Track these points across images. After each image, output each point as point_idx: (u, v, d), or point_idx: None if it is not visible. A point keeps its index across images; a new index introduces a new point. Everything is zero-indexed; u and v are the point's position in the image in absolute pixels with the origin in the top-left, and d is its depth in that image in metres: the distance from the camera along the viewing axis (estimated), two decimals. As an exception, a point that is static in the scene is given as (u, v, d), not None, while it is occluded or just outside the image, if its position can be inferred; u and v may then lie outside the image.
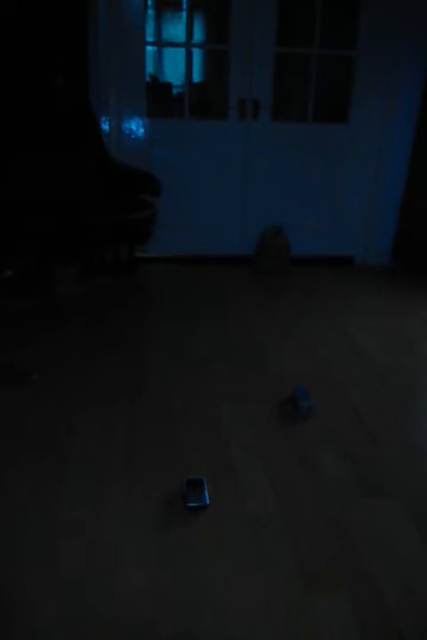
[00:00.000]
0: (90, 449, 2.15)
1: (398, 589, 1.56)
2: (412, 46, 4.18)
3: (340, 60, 4.45)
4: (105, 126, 4.14)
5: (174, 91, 5.18)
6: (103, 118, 4.11)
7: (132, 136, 4.27)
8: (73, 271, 3.91)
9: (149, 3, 4.90)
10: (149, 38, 4.79)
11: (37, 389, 2.57)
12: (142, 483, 1.97)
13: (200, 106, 5.08)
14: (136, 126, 4.25)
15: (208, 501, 1.86)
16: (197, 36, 5.31)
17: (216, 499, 1.89)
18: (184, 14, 4.42)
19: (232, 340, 3.19)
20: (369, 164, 4.52)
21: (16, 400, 2.47)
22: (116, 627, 1.43)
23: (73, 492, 1.91)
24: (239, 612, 1.48)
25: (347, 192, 4.60)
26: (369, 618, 1.47)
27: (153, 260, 4.53)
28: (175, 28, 5.04)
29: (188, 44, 4.28)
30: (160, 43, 5.38)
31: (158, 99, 4.98)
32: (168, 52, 5.25)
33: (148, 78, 4.39)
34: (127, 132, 4.25)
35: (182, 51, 4.28)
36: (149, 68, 4.83)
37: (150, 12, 5.14)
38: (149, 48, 4.51)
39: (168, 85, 5.25)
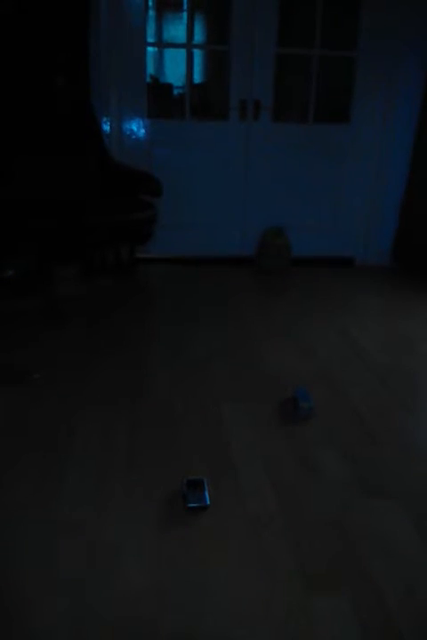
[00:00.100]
0: (90, 449, 2.15)
1: (398, 590, 1.57)
2: (413, 46, 4.18)
3: (341, 60, 4.44)
4: (106, 127, 4.14)
5: (175, 91, 5.18)
6: (104, 119, 4.11)
7: (133, 137, 4.27)
8: (74, 271, 3.91)
9: (150, 3, 4.90)
10: (150, 39, 4.79)
11: (38, 389, 2.57)
12: (143, 483, 1.97)
13: (201, 106, 5.09)
14: (137, 127, 4.25)
15: (209, 502, 1.86)
16: (198, 36, 5.32)
17: (217, 499, 1.89)
18: (185, 15, 4.42)
19: (233, 341, 3.19)
20: (370, 164, 4.52)
21: (17, 400, 2.48)
22: (116, 627, 1.43)
23: (74, 492, 1.91)
24: (239, 612, 1.48)
25: (348, 192, 4.60)
26: (369, 618, 1.48)
27: (154, 261, 4.53)
28: (176, 29, 5.05)
29: (188, 45, 4.28)
30: (161, 43, 5.38)
31: (159, 99, 4.98)
32: (169, 53, 5.26)
33: (148, 79, 4.39)
34: (128, 132, 4.25)
35: (183, 51, 4.28)
36: (150, 68, 4.83)
37: (151, 12, 5.15)
38: (150, 49, 4.51)
39: (169, 86, 5.26)
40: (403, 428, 2.40)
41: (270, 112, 4.33)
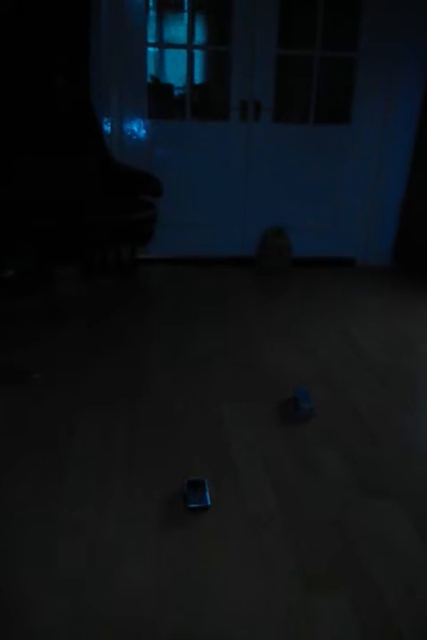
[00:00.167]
0: (91, 448, 2.15)
1: (398, 589, 1.56)
2: (413, 47, 4.18)
3: (341, 61, 4.44)
4: (106, 127, 4.14)
5: (176, 92, 5.17)
6: (105, 119, 4.11)
7: (134, 137, 4.27)
8: (74, 271, 3.91)
9: (151, 4, 4.89)
10: (151, 39, 4.78)
11: (38, 389, 2.57)
12: (143, 482, 1.97)
13: (202, 107, 5.08)
14: (137, 127, 4.26)
15: (209, 502, 1.86)
16: (199, 37, 5.30)
17: (217, 498, 1.89)
18: (186, 15, 4.43)
19: (233, 340, 3.19)
20: (370, 164, 4.52)
21: (17, 399, 2.48)
22: (116, 627, 1.43)
23: (74, 492, 1.91)
24: (240, 611, 1.48)
25: (348, 193, 4.60)
26: (369, 618, 1.47)
27: (154, 261, 4.53)
28: (177, 30, 5.03)
29: (189, 46, 4.28)
30: (162, 44, 5.37)
31: (160, 100, 4.97)
32: (170, 54, 5.24)
33: (149, 79, 4.39)
34: (128, 132, 4.25)
35: (184, 52, 4.29)
36: (151, 69, 4.83)
37: (152, 13, 5.13)
38: (151, 49, 4.51)
39: (169, 87, 5.25)
40: (403, 428, 2.40)
41: (271, 113, 4.33)
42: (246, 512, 1.85)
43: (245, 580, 1.59)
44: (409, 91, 4.28)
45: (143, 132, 4.27)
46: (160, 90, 5.18)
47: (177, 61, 4.80)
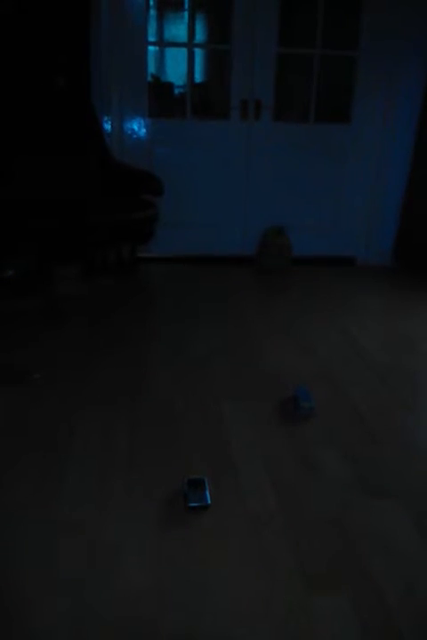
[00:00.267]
0: (91, 448, 2.15)
1: (398, 589, 1.56)
2: (414, 46, 4.17)
3: (342, 60, 4.44)
4: (107, 126, 4.14)
5: (176, 91, 5.17)
6: (105, 118, 4.11)
7: (134, 136, 4.27)
8: (74, 271, 3.91)
9: (151, 2, 4.89)
10: (151, 38, 4.78)
11: (38, 389, 2.57)
12: (143, 482, 1.97)
13: (202, 106, 5.07)
14: (138, 126, 4.25)
15: (210, 501, 1.86)
16: (199, 36, 5.30)
17: (217, 497, 1.89)
18: (186, 14, 4.42)
19: (233, 339, 3.19)
20: (371, 163, 4.52)
21: (17, 399, 2.48)
22: (116, 627, 1.43)
23: (74, 492, 1.91)
24: (240, 611, 1.48)
25: (348, 192, 4.60)
26: (369, 617, 1.47)
27: (155, 260, 4.53)
28: (177, 28, 5.03)
29: (190, 44, 4.28)
30: (162, 43, 5.37)
31: (160, 99, 4.97)
32: (170, 52, 5.24)
33: (149, 78, 4.39)
34: (129, 131, 4.25)
35: (184, 51, 4.28)
36: (151, 68, 4.83)
37: (152, 11, 5.13)
38: (151, 48, 4.51)
39: (170, 85, 5.24)
40: (403, 427, 2.40)
41: (271, 111, 4.33)
42: (246, 511, 1.85)
43: (246, 579, 1.59)
44: (410, 90, 4.28)
45: (144, 130, 4.27)
46: (161, 89, 5.17)
47: (177, 60, 4.79)
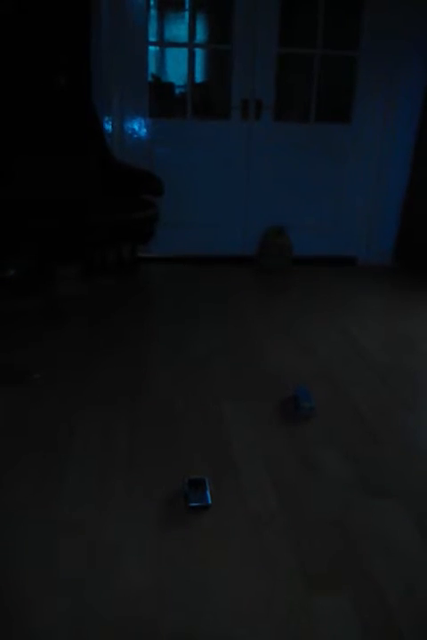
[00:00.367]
0: (91, 448, 2.15)
1: (399, 589, 1.56)
2: (414, 46, 4.17)
3: (342, 60, 4.44)
4: (107, 126, 4.14)
5: (177, 91, 5.17)
6: (106, 118, 4.11)
7: (135, 136, 4.27)
8: (75, 271, 3.90)
9: (152, 2, 4.89)
10: (152, 38, 4.78)
11: (38, 389, 2.57)
12: (144, 481, 1.97)
13: (203, 106, 5.07)
14: (138, 126, 4.25)
15: (210, 501, 1.85)
16: (200, 36, 5.30)
17: (217, 497, 1.89)
18: (187, 14, 4.42)
19: (233, 339, 3.18)
20: (371, 163, 4.51)
21: (17, 399, 2.48)
22: (116, 627, 1.43)
23: (74, 492, 1.91)
24: (240, 611, 1.48)
25: (349, 192, 4.59)
26: (370, 617, 1.47)
27: (155, 260, 4.52)
28: (178, 28, 5.03)
29: (190, 44, 4.28)
30: (163, 43, 5.37)
31: (161, 99, 4.97)
32: (171, 52, 5.24)
33: (150, 78, 4.39)
34: (130, 131, 4.25)
35: (185, 51, 4.28)
36: (152, 68, 4.83)
37: (153, 11, 5.13)
38: (152, 48, 4.51)
39: (171, 85, 5.24)
40: (404, 427, 2.40)
41: (272, 111, 4.32)
42: (247, 511, 1.85)
43: (246, 579, 1.58)
44: (410, 90, 4.27)
45: (144, 130, 4.26)
46: (161, 89, 5.18)
47: (178, 60, 4.79)
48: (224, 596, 1.52)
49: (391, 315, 3.68)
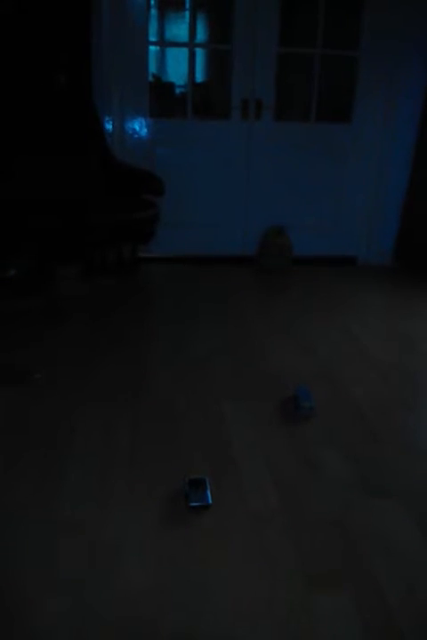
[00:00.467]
0: (91, 447, 2.15)
1: (399, 588, 1.56)
2: (415, 46, 4.17)
3: (343, 59, 4.44)
4: (108, 126, 4.14)
5: (177, 91, 5.17)
6: (106, 118, 4.11)
7: (135, 136, 4.27)
8: (75, 271, 3.90)
9: (152, 2, 4.89)
10: (152, 38, 4.79)
11: (39, 388, 2.57)
12: (144, 480, 1.97)
13: (203, 106, 5.07)
14: (139, 126, 4.25)
15: (211, 501, 1.85)
16: (200, 35, 5.30)
17: (218, 497, 1.89)
18: (187, 14, 4.42)
19: (234, 339, 3.18)
20: (372, 163, 4.51)
21: (18, 398, 2.48)
22: (116, 627, 1.43)
23: (75, 490, 1.91)
24: (241, 610, 1.48)
25: (349, 192, 4.59)
26: (370, 617, 1.47)
27: (155, 260, 4.52)
28: (178, 28, 5.03)
29: (190, 44, 4.28)
30: (163, 42, 5.37)
31: (161, 98, 4.97)
32: (171, 52, 5.24)
33: (150, 78, 4.39)
34: (130, 131, 4.25)
35: (185, 51, 4.28)
36: (152, 67, 4.83)
37: (153, 11, 5.14)
38: (152, 48, 4.51)
39: (171, 85, 5.24)
40: (404, 427, 2.40)
41: (272, 111, 4.32)
42: (248, 510, 1.85)
43: (247, 578, 1.58)
44: (411, 90, 4.27)
45: (145, 130, 4.27)
46: (162, 88, 5.18)
47: (178, 60, 4.79)
48: (224, 595, 1.52)
49: (392, 314, 3.68)
